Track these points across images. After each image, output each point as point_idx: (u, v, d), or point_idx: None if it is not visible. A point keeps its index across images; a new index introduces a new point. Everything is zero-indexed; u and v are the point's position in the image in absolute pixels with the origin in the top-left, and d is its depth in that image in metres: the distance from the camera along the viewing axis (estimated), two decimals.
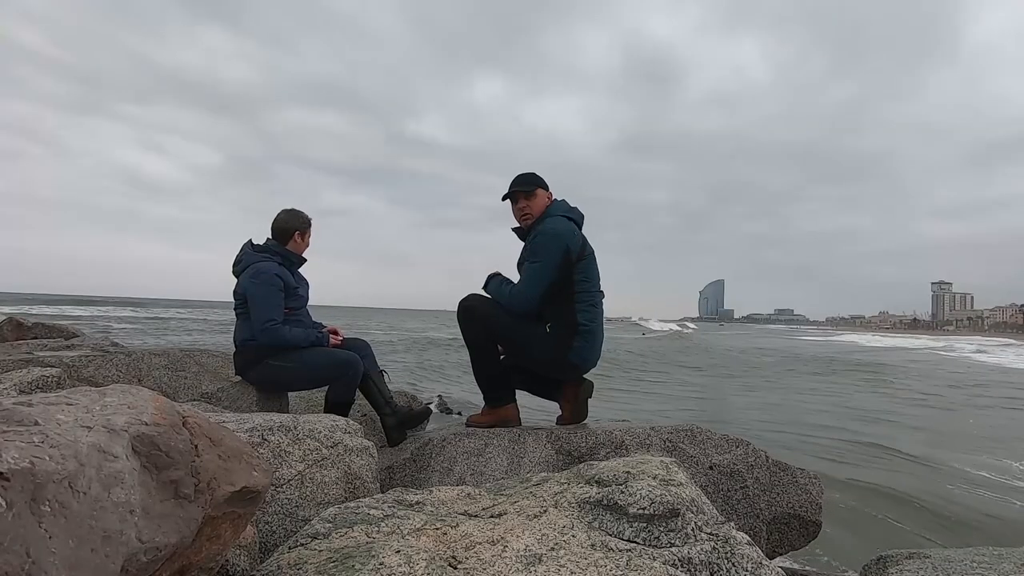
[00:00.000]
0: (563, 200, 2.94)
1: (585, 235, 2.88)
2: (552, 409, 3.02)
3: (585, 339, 2.76)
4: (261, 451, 1.76)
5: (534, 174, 2.92)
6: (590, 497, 1.50)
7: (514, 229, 2.99)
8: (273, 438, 1.83)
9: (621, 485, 1.50)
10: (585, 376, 2.92)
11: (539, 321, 2.79)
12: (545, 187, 2.92)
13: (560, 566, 1.23)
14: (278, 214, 3.29)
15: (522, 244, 2.97)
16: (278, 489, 1.75)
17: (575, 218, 2.88)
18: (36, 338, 4.84)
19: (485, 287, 2.92)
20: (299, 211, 3.30)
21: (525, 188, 2.87)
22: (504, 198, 2.93)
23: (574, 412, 2.89)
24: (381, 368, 3.25)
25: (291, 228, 3.26)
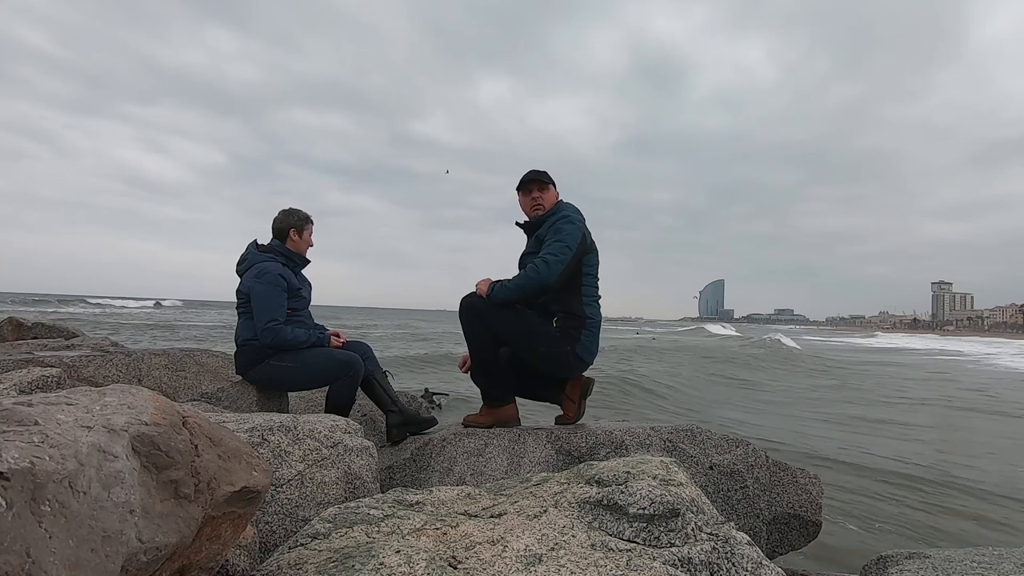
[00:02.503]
0: (568, 202, 2.98)
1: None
2: (552, 408, 3.01)
3: (591, 331, 2.81)
4: (261, 451, 1.77)
5: (547, 175, 2.97)
6: (590, 497, 1.50)
7: (520, 223, 3.01)
8: (273, 438, 1.83)
9: (621, 485, 1.50)
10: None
11: (546, 315, 2.80)
12: (555, 185, 2.98)
13: (560, 566, 1.23)
14: (276, 215, 3.31)
15: (525, 239, 3.00)
16: (278, 489, 1.75)
17: (581, 215, 2.93)
18: (36, 338, 4.84)
19: (491, 296, 2.75)
20: (295, 209, 3.32)
21: (541, 179, 2.92)
22: (519, 187, 2.97)
23: (578, 410, 2.90)
24: (385, 369, 3.26)
25: (286, 226, 3.27)
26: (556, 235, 2.75)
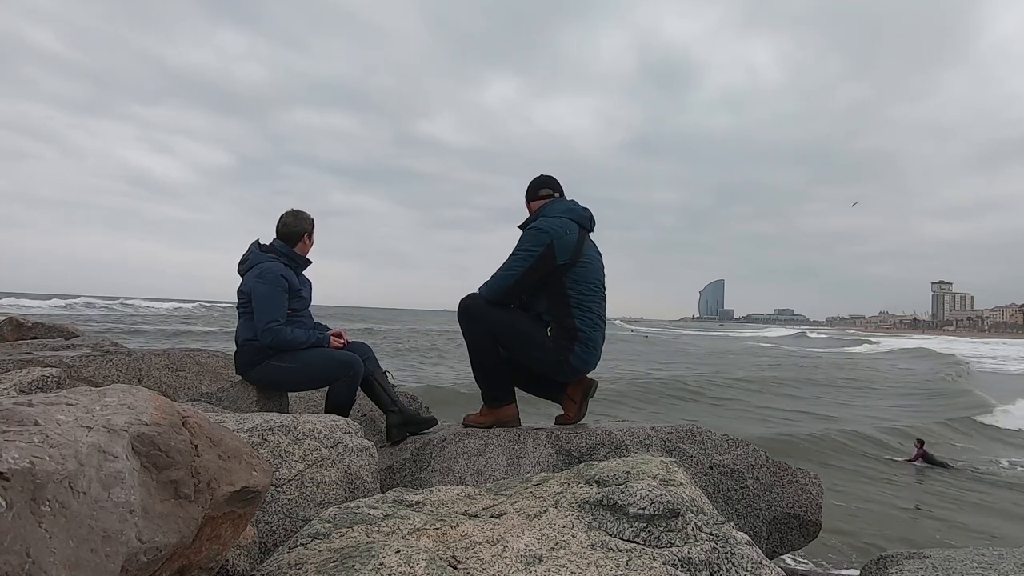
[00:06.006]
0: (571, 200, 2.92)
1: (593, 239, 2.86)
2: (552, 409, 3.01)
3: (584, 345, 2.75)
4: (261, 451, 1.76)
5: (532, 182, 2.97)
6: (590, 497, 1.50)
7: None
8: (273, 438, 1.83)
9: (621, 485, 1.50)
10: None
11: (541, 324, 2.78)
12: (530, 197, 2.96)
13: (560, 566, 1.23)
14: (283, 217, 3.26)
15: None
16: (278, 489, 1.75)
17: (575, 218, 2.81)
18: (36, 338, 4.84)
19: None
20: (304, 213, 3.28)
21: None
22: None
23: (579, 411, 2.89)
24: (385, 370, 3.25)
25: (300, 231, 3.24)
26: (514, 250, 2.78)
